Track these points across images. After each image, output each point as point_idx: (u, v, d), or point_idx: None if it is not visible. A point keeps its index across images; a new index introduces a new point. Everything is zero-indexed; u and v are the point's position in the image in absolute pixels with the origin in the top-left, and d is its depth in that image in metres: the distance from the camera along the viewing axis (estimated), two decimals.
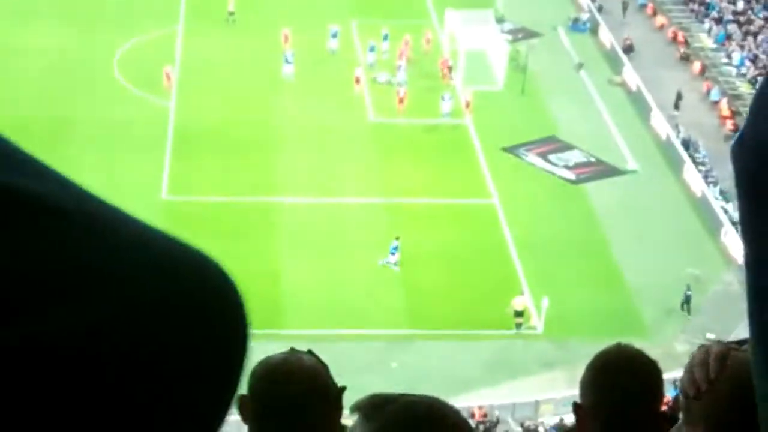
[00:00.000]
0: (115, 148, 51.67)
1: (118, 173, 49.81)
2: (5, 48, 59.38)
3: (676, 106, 58.05)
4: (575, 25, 67.52)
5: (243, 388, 3.10)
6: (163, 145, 52.45)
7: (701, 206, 50.29)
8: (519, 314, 42.55)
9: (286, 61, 58.99)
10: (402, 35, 62.25)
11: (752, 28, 63.71)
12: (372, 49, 60.78)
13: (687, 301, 43.85)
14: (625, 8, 68.88)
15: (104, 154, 51.13)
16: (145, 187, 49.09)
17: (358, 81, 58.04)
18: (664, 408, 3.91)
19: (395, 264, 45.03)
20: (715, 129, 56.89)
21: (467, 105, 56.77)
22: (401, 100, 56.47)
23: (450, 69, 60.41)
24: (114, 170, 49.99)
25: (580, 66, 63.18)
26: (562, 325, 42.18)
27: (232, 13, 63.56)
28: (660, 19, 67.95)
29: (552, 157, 53.75)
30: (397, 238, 45.37)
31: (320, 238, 46.59)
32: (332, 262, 45.07)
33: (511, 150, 54.05)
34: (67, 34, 61.64)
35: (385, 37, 61.36)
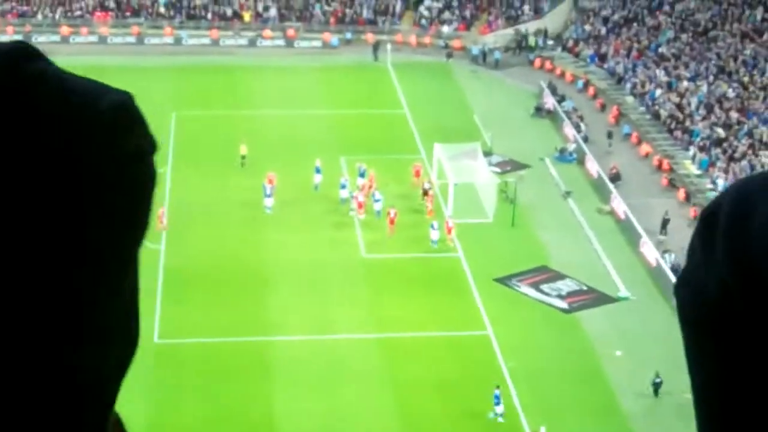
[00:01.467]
0: None
1: None
2: None
3: (663, 230, 58.47)
4: (562, 156, 68.20)
5: None
6: (154, 288, 52.43)
7: None
8: None
9: (266, 195, 59.66)
10: (391, 169, 62.88)
11: (736, 154, 64.39)
12: (362, 175, 61.43)
13: (656, 387, 43.95)
14: (610, 137, 69.62)
15: None
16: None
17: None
18: None
19: (501, 415, 44.07)
20: None
21: (449, 231, 57.20)
22: (392, 221, 57.49)
23: (426, 192, 60.89)
24: None
25: (567, 194, 63.69)
26: None
27: (243, 157, 63.81)
28: (645, 147, 68.68)
29: (544, 286, 53.86)
30: (498, 387, 44.54)
31: (315, 376, 46.36)
32: (329, 399, 44.79)
33: (504, 281, 54.17)
34: None
35: (362, 174, 61.80)
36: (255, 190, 61.09)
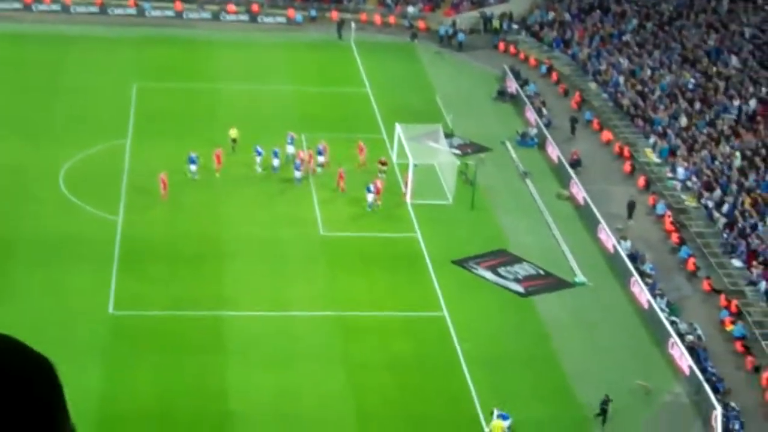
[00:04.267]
0: (61, 263, 51.32)
1: (64, 290, 49.43)
2: None
3: (630, 215, 58.74)
4: (523, 140, 68.30)
5: None
6: (111, 259, 52.16)
7: (648, 318, 50.52)
8: None
9: (191, 161, 59.68)
10: (351, 148, 62.84)
11: (696, 144, 64.68)
12: (320, 153, 61.48)
13: (602, 413, 43.47)
14: (573, 125, 69.74)
15: (51, 271, 50.74)
16: (92, 302, 48.71)
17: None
18: None
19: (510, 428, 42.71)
20: (661, 242, 57.46)
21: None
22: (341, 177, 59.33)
23: (384, 164, 61.21)
24: (61, 287, 49.61)
25: (525, 175, 63.86)
26: None
27: (234, 140, 63.01)
28: (606, 134, 68.88)
29: (502, 270, 53.98)
30: (491, 411, 42.99)
31: (269, 351, 46.27)
32: (283, 376, 44.72)
33: (461, 263, 54.23)
34: (10, 149, 61.58)
35: (320, 152, 61.82)
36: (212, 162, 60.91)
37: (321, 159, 61.66)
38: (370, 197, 58.55)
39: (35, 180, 58.54)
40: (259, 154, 60.94)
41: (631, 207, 59.22)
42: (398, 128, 63.82)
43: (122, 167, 60.96)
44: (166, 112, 68.01)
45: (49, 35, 79.22)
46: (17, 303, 48.18)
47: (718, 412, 43.44)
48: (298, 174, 60.44)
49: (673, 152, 64.82)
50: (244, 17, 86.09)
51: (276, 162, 61.24)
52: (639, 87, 72.83)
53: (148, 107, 68.67)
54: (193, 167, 59.58)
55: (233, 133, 63.23)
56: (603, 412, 43.37)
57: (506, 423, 42.00)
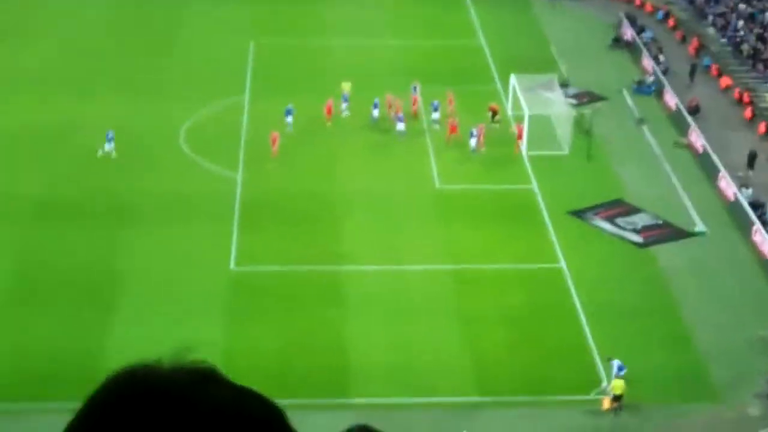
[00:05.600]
0: (183, 221, 52.21)
1: (186, 246, 50.33)
2: (69, 123, 60.42)
3: (751, 165, 57.70)
4: (640, 88, 67.47)
5: None
6: (231, 216, 52.94)
7: None
8: (617, 398, 41.38)
9: (288, 113, 60.41)
10: (467, 100, 62.81)
11: None
12: (436, 109, 61.38)
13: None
14: (693, 72, 68.64)
15: (173, 227, 51.66)
16: (213, 258, 49.56)
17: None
18: None
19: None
20: None
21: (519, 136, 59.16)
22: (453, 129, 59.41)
23: (495, 113, 61.18)
24: (182, 243, 50.51)
25: (641, 121, 63.15)
26: (633, 389, 41.62)
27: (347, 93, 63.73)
28: (725, 80, 67.74)
29: (619, 220, 53.57)
30: (609, 359, 42.89)
31: (386, 305, 46.64)
32: (399, 330, 45.08)
33: (578, 214, 53.95)
34: (130, 109, 62.57)
35: (435, 108, 61.75)
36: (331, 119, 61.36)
37: (435, 115, 61.58)
38: (473, 141, 58.61)
39: (156, 139, 59.51)
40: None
41: (752, 157, 58.12)
42: (513, 79, 63.53)
43: (240, 124, 61.69)
44: (282, 68, 68.50)
45: None
46: (141, 261, 49.19)
47: None
48: (400, 126, 60.50)
49: None
50: None
51: (376, 113, 61.42)
52: (759, 30, 71.38)
53: (264, 64, 69.25)
54: (289, 119, 60.15)
55: (346, 87, 63.51)
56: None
57: (622, 373, 41.77)
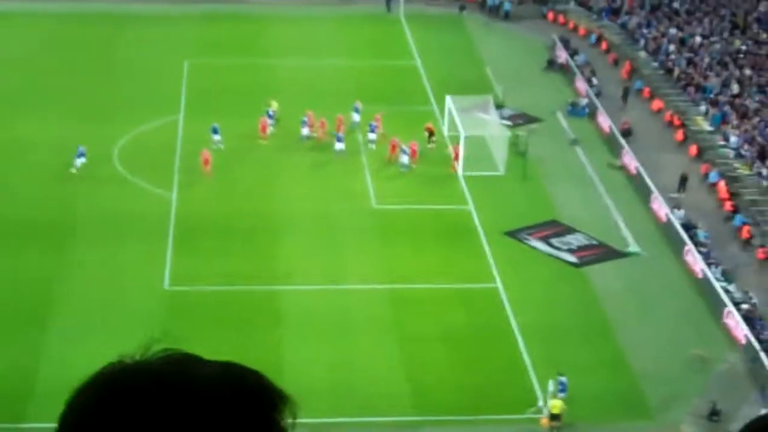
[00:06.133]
0: (118, 240, 51.80)
1: (121, 265, 49.96)
2: (5, 141, 59.87)
3: (682, 187, 58.32)
4: (574, 110, 68.09)
5: None
6: (166, 235, 52.61)
7: (703, 287, 50.34)
8: (555, 417, 41.63)
9: (214, 132, 60.50)
10: (402, 121, 63.01)
11: (748, 111, 64.22)
12: (372, 130, 61.45)
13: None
14: (625, 95, 69.40)
15: (107, 246, 51.24)
16: (148, 277, 49.21)
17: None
18: None
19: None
20: (714, 211, 57.16)
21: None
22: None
23: (431, 133, 61.66)
24: (117, 262, 50.15)
25: (574, 142, 63.75)
26: (570, 408, 41.85)
27: (274, 111, 63.48)
28: (657, 103, 68.52)
29: (554, 240, 53.94)
30: (560, 374, 42.92)
31: (325, 325, 46.54)
32: (337, 350, 45.00)
33: (514, 234, 54.24)
34: (65, 126, 62.08)
35: (372, 129, 61.89)
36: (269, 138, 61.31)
37: (371, 136, 61.63)
38: (404, 158, 58.98)
39: (90, 158, 59.00)
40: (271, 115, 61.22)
41: (683, 180, 58.81)
42: (449, 100, 63.82)
43: (175, 143, 61.38)
44: (218, 88, 68.31)
45: (105, 13, 79.65)
46: (75, 280, 48.74)
47: None
48: (339, 145, 60.59)
49: (725, 120, 64.39)
50: None
51: (305, 131, 61.64)
52: (689, 55, 72.34)
53: (199, 83, 69.03)
54: (216, 137, 60.08)
55: (273, 105, 63.55)
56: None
57: (562, 394, 42.03)
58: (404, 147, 59.47)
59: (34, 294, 47.56)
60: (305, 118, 62.06)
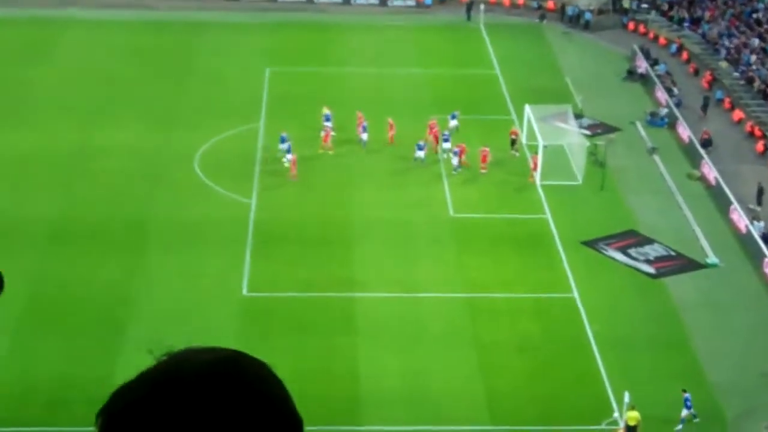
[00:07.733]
0: (197, 246, 52.40)
1: (199, 271, 50.52)
2: (85, 148, 60.89)
3: (760, 199, 57.76)
4: (653, 120, 67.71)
5: None
6: (244, 241, 53.15)
7: None
8: (631, 429, 41.39)
9: (282, 141, 60.58)
10: (481, 129, 63.11)
11: None
12: (446, 140, 61.52)
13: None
14: (705, 105, 68.87)
15: (186, 254, 51.83)
16: (225, 284, 49.73)
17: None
18: None
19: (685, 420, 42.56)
20: None
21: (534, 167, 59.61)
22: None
23: (515, 140, 61.98)
24: (195, 268, 50.71)
25: (653, 150, 63.39)
26: (644, 420, 41.72)
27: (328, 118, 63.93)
28: (738, 114, 67.94)
29: (632, 251, 53.69)
30: (685, 391, 42.68)
31: (400, 333, 46.74)
32: (412, 358, 45.17)
33: (591, 244, 54.08)
34: (146, 134, 62.97)
35: (446, 139, 61.82)
36: (345, 144, 61.70)
37: (446, 145, 61.64)
38: (455, 160, 59.43)
39: (171, 164, 59.85)
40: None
41: (761, 192, 58.20)
42: (527, 109, 63.80)
43: (255, 150, 62.01)
44: (298, 96, 68.84)
45: (182, 22, 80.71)
46: (154, 286, 49.40)
47: None
48: (420, 153, 60.77)
49: None
50: (374, 0, 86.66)
51: (365, 136, 61.91)
52: None
53: (280, 91, 69.65)
54: (282, 146, 60.36)
55: (325, 111, 63.68)
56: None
57: (688, 411, 41.67)
58: (455, 149, 60.04)
59: (113, 300, 48.21)
60: (365, 123, 62.22)
